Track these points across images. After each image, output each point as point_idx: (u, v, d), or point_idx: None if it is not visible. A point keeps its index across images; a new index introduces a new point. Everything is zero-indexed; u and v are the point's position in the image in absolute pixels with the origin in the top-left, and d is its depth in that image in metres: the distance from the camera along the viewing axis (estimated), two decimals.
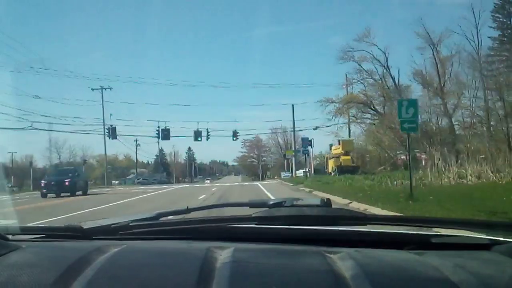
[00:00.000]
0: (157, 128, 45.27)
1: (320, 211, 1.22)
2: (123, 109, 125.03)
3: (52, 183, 25.72)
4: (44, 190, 25.69)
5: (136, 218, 1.27)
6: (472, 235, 1.18)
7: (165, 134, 45.09)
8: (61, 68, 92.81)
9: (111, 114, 46.86)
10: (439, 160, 20.55)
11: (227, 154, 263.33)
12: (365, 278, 0.78)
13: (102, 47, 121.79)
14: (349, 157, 40.65)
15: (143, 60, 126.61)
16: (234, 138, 49.60)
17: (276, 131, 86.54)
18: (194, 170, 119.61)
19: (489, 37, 41.08)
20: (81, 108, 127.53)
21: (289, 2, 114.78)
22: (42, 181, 27.24)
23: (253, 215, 1.20)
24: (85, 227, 1.21)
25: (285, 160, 67.76)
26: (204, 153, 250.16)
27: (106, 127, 45.40)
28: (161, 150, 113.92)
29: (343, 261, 0.88)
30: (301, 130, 54.25)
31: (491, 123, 34.57)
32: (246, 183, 40.30)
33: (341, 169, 39.82)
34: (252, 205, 1.33)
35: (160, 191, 28.36)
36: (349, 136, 54.96)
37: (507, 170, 16.58)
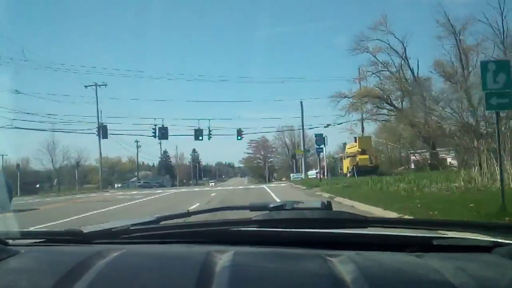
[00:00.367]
0: (154, 127, 40.77)
1: (321, 214, 1.20)
2: (118, 107, 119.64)
3: None
4: None
5: (137, 221, 1.25)
6: (473, 237, 1.16)
7: (162, 133, 40.53)
8: (46, 61, 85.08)
9: (100, 111, 42.14)
10: (488, 159, 16.17)
11: (233, 156, 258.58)
12: (365, 282, 0.78)
13: (97, 41, 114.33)
14: (366, 156, 35.84)
15: (139, 54, 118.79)
16: (239, 137, 45.09)
17: (283, 130, 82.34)
18: (199, 172, 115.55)
19: None
20: (71, 105, 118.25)
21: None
22: None
23: (253, 218, 1.17)
24: (85, 231, 1.18)
25: (293, 161, 62.91)
26: (210, 155, 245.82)
27: (97, 125, 40.76)
28: (165, 152, 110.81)
29: (344, 264, 0.87)
30: (311, 128, 49.61)
31: None
32: (252, 186, 35.69)
33: (358, 170, 35.10)
34: (252, 208, 1.32)
35: (150, 197, 24.12)
36: (362, 134, 50.31)
37: None
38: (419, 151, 37.90)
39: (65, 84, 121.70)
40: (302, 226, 1.19)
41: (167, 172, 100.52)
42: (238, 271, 0.83)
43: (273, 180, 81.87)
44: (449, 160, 34.97)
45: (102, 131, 39.40)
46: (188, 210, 1.40)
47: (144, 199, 22.40)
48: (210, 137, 43.75)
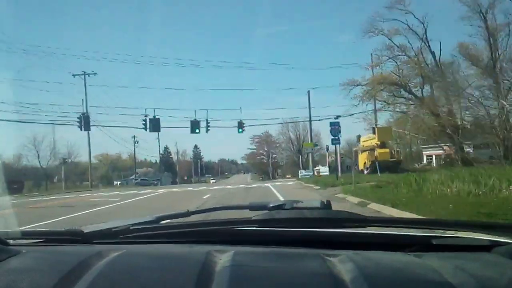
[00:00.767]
0: (144, 118, 35.67)
1: (321, 213, 1.20)
2: (109, 97, 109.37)
3: None
4: None
5: (137, 221, 1.25)
6: (473, 237, 1.15)
7: (154, 125, 35.43)
8: (28, 46, 76.41)
9: (83, 100, 36.62)
10: None
11: (236, 152, 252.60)
12: (363, 281, 0.78)
13: (87, 26, 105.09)
14: (387, 150, 30.60)
15: (132, 40, 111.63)
16: (240, 130, 39.91)
17: (287, 124, 77.23)
18: (201, 169, 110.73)
19: None
20: (57, 95, 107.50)
21: None
22: None
23: (253, 218, 1.17)
24: (85, 231, 1.18)
25: (299, 157, 57.68)
26: (213, 152, 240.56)
27: (78, 115, 35.44)
28: (166, 148, 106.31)
29: (343, 263, 0.87)
30: (320, 120, 44.39)
31: None
32: (255, 185, 30.71)
33: (377, 165, 29.96)
34: (252, 207, 1.32)
35: (127, 200, 19.12)
36: (376, 126, 45.03)
37: None
38: (447, 144, 32.61)
39: (51, 72, 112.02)
40: (301, 226, 1.18)
41: (168, 169, 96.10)
42: (237, 271, 0.83)
43: (277, 177, 76.98)
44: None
45: (84, 123, 34.08)
46: (187, 210, 1.39)
47: (116, 204, 17.38)
48: (208, 129, 38.69)
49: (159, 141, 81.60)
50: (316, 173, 35.97)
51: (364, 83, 39.23)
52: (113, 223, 1.25)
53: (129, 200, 19.04)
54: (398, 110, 37.97)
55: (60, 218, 12.21)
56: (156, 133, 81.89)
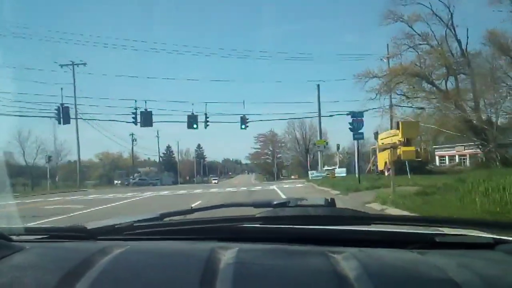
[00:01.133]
0: (134, 111, 31.18)
1: (325, 211, 1.20)
2: (98, 88, 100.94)
3: None
4: None
5: (140, 218, 1.25)
6: (476, 234, 1.14)
7: (145, 118, 30.96)
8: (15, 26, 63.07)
9: (62, 89, 31.79)
10: None
11: (240, 152, 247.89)
12: (368, 279, 0.78)
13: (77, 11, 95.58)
14: (412, 148, 25.78)
15: (125, 24, 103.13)
16: (243, 126, 35.42)
17: (293, 123, 72.60)
18: (203, 169, 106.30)
19: None
20: (42, 86, 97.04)
21: None
22: None
23: (257, 215, 1.17)
24: (89, 228, 1.17)
25: (307, 156, 52.93)
26: (217, 151, 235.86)
27: (55, 107, 30.60)
28: (168, 147, 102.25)
29: (347, 261, 0.86)
30: (331, 116, 39.78)
31: None
32: (259, 187, 26.04)
33: (401, 166, 25.24)
34: (256, 205, 1.31)
35: (99, 207, 14.94)
36: (391, 122, 40.24)
37: None
38: (479, 142, 27.94)
39: (38, 62, 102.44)
40: (305, 223, 1.16)
41: (170, 169, 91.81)
42: (242, 267, 0.82)
43: (282, 177, 72.42)
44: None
45: (63, 115, 29.49)
46: (191, 207, 1.37)
47: (60, 216, 12.48)
48: (207, 125, 34.23)
49: (158, 138, 77.36)
50: (330, 174, 31.00)
51: (381, 74, 34.91)
52: (116, 219, 1.24)
53: (91, 209, 14.35)
54: (417, 105, 33.61)
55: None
56: (156, 130, 78.41)
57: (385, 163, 26.89)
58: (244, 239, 1.11)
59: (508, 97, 28.19)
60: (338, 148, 38.35)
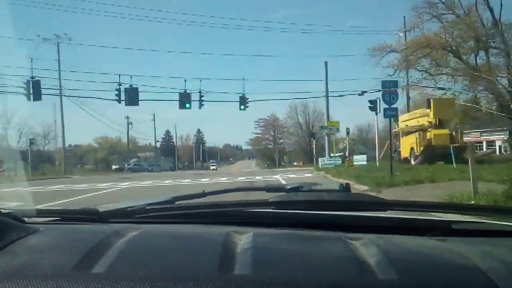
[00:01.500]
0: (118, 87, 26.43)
1: (339, 196, 1.17)
2: (83, 63, 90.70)
3: None
4: None
5: (152, 201, 1.23)
6: (496, 222, 1.11)
7: (130, 96, 26.25)
8: None
9: (31, 59, 26.70)
10: None
11: (241, 137, 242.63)
12: (390, 265, 0.74)
13: None
14: (445, 132, 21.01)
15: None
16: (242, 107, 30.78)
17: (296, 107, 67.73)
18: (203, 155, 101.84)
19: None
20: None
21: None
22: None
23: (270, 200, 1.13)
24: (101, 210, 1.15)
25: (312, 141, 48.14)
26: (218, 137, 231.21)
27: (25, 80, 25.56)
28: (167, 132, 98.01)
29: (366, 247, 0.83)
30: (340, 95, 35.05)
31: None
32: (260, 177, 21.29)
33: (432, 153, 20.59)
34: (269, 189, 1.29)
35: (60, 201, 10.27)
36: (408, 105, 35.44)
37: None
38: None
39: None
40: (320, 208, 1.13)
41: (169, 154, 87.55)
42: (260, 252, 0.79)
43: (283, 163, 67.83)
44: None
45: (34, 90, 24.53)
46: (203, 191, 1.34)
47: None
48: (202, 104, 29.54)
49: (154, 122, 72.70)
50: (347, 161, 26.04)
51: (399, 49, 30.11)
52: (128, 202, 1.22)
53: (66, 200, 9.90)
54: (441, 84, 28.84)
55: None
56: (152, 114, 73.14)
57: (411, 149, 22.22)
58: (257, 224, 1.08)
59: None
60: (348, 132, 33.61)
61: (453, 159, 17.11)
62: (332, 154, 34.04)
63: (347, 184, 1.27)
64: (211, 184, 17.52)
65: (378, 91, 32.48)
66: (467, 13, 27.28)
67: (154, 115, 71.87)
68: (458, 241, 0.93)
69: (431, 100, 21.47)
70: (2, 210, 1.01)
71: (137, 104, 26.48)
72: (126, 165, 62.51)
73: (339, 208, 1.13)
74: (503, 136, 33.47)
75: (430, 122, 21.37)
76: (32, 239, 0.89)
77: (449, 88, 28.43)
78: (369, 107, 21.24)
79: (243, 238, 0.87)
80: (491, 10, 26.78)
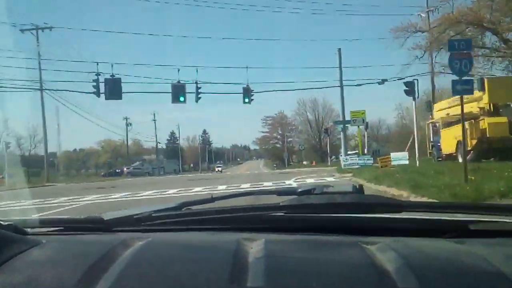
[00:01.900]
0: (96, 77, 21.85)
1: (353, 198, 1.11)
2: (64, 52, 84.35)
3: None
4: None
5: (159, 208, 1.17)
6: None
7: (111, 88, 21.68)
8: None
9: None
10: None
11: (249, 137, 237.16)
12: (409, 271, 0.70)
13: None
14: (504, 120, 16.25)
15: None
16: (246, 100, 26.10)
17: (304, 104, 62.90)
18: (209, 155, 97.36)
19: None
20: None
21: None
22: None
23: (281, 204, 1.08)
24: (106, 218, 1.09)
25: (325, 139, 43.17)
26: (225, 137, 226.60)
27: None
28: (172, 133, 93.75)
29: (383, 252, 0.79)
30: (358, 85, 30.16)
31: None
32: (268, 183, 16.42)
33: (488, 148, 15.84)
34: (280, 193, 1.25)
35: None
36: (433, 91, 30.44)
37: None
38: None
39: None
40: (333, 211, 1.07)
41: (175, 156, 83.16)
42: (273, 261, 0.75)
43: (292, 163, 63.05)
44: None
45: None
46: (212, 196, 1.28)
47: None
48: (199, 97, 24.90)
49: (155, 122, 68.30)
50: (381, 162, 20.75)
51: (425, 28, 25.44)
52: (134, 210, 1.16)
53: None
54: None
55: None
56: (152, 113, 68.07)
57: (458, 143, 17.38)
58: (268, 229, 1.03)
59: None
60: (366, 126, 28.69)
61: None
62: (394, 154, 28.97)
63: (360, 185, 1.20)
64: (205, 194, 12.89)
65: (399, 79, 27.97)
66: None
67: (154, 114, 67.60)
68: (477, 242, 0.88)
69: (485, 80, 16.52)
70: (1, 222, 0.92)
71: (120, 98, 21.86)
72: (125, 168, 58.19)
73: (353, 210, 1.07)
74: None
75: (482, 108, 16.53)
76: (34, 253, 0.84)
77: (486, 71, 23.78)
78: (404, 90, 16.51)
79: (255, 246, 0.82)
80: None
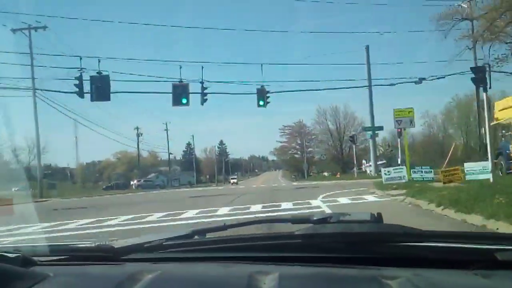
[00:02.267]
0: (79, 74, 18.03)
1: (371, 227, 1.05)
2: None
3: None
4: None
5: (170, 236, 1.13)
6: None
7: (98, 88, 17.76)
8: None
9: None
10: None
11: (267, 148, 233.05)
12: None
13: None
14: None
15: None
16: (261, 103, 21.96)
17: (325, 113, 58.40)
18: (226, 167, 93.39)
19: None
20: None
21: None
22: None
23: (296, 233, 1.03)
24: (116, 247, 1.07)
25: (349, 148, 38.54)
26: (243, 148, 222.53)
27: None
28: (188, 144, 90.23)
29: None
30: (389, 84, 25.72)
31: None
32: (287, 204, 12.38)
33: None
34: (294, 221, 1.20)
35: None
36: (486, 88, 25.80)
37: None
38: None
39: None
40: (350, 241, 1.01)
41: (191, 167, 79.53)
42: None
43: (311, 174, 58.43)
44: None
45: None
46: (224, 224, 1.23)
47: None
48: (205, 99, 20.87)
49: (167, 132, 64.67)
50: (443, 176, 15.39)
51: (476, 15, 21.17)
52: (145, 237, 1.11)
53: None
54: None
55: None
56: (165, 123, 64.47)
57: None
58: (282, 258, 0.98)
59: None
60: (399, 134, 24.15)
61: None
62: (470, 164, 24.40)
63: (379, 214, 1.11)
64: (193, 225, 8.72)
65: (440, 77, 23.58)
66: None
67: (166, 124, 64.00)
68: (503, 275, 0.83)
69: None
70: (8, 254, 0.88)
71: (108, 99, 17.94)
72: (135, 181, 54.60)
73: (372, 240, 1.00)
74: None
75: None
76: None
77: None
78: (472, 79, 12.15)
79: (268, 281, 0.78)
80: None
